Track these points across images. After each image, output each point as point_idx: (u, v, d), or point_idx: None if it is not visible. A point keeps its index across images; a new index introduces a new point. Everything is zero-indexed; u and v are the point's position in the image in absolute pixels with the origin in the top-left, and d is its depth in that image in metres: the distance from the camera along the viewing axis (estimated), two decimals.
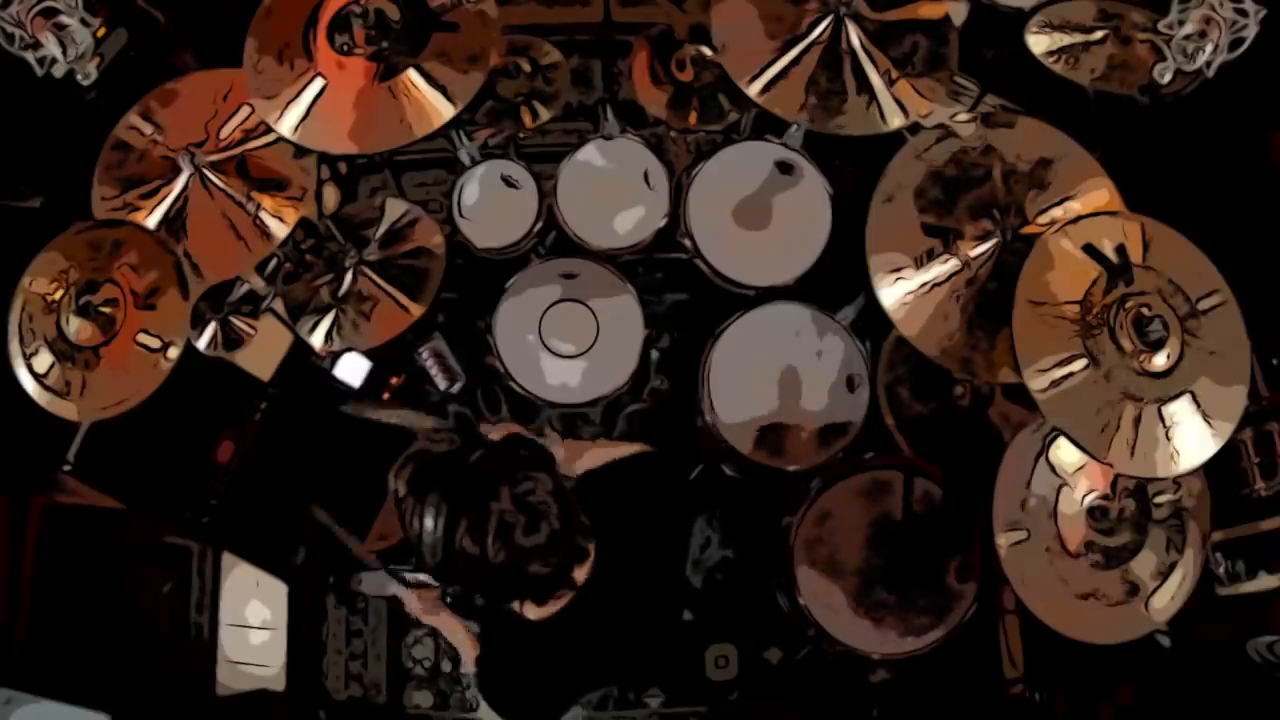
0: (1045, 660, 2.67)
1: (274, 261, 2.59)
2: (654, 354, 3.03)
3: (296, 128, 2.16)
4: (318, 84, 2.17)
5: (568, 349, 2.65)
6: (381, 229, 2.65)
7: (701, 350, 2.59)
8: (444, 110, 2.16)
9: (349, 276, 2.56)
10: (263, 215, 2.19)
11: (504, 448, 1.61)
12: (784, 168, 2.69)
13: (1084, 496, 2.09)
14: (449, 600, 2.11)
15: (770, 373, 2.58)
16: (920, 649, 2.36)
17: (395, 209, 2.68)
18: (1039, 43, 2.25)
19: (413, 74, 2.17)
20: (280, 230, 2.20)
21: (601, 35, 3.35)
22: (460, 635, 2.12)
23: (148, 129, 2.26)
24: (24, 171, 2.63)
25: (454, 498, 1.52)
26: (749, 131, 2.73)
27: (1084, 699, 2.58)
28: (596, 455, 1.99)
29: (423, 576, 2.09)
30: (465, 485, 1.53)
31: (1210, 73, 2.17)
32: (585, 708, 2.89)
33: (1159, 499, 2.09)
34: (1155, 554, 2.10)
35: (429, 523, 1.51)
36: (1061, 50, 2.25)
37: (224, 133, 2.24)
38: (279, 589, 2.93)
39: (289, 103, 2.17)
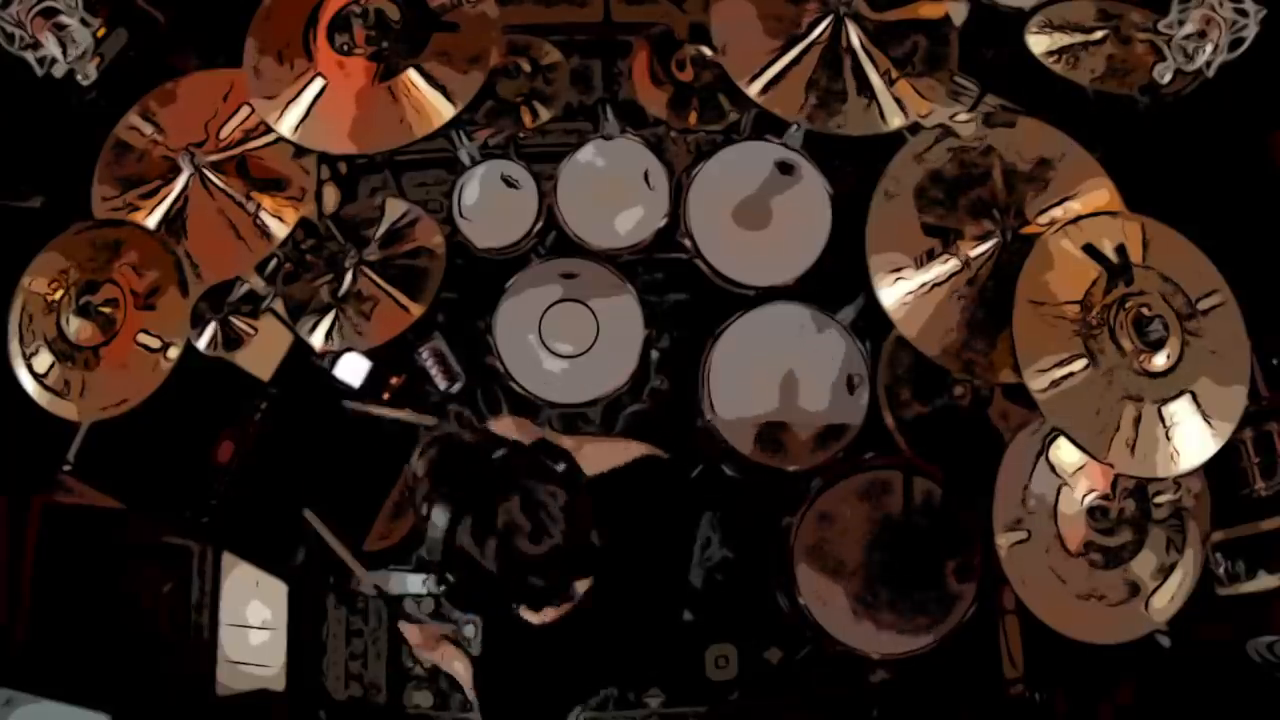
0: (1045, 660, 2.66)
1: (274, 261, 2.58)
2: (654, 354, 3.02)
3: (296, 128, 2.16)
4: (318, 84, 2.17)
5: (568, 349, 2.65)
6: (381, 229, 2.65)
7: (701, 350, 2.59)
8: (444, 110, 2.16)
9: (349, 276, 2.56)
10: (263, 215, 2.19)
11: (530, 453, 1.59)
12: (784, 168, 2.69)
13: (1084, 496, 2.09)
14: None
15: (770, 373, 2.58)
16: (920, 649, 2.36)
17: (395, 209, 2.68)
18: (1039, 43, 2.25)
19: (413, 74, 2.17)
20: (280, 230, 2.20)
21: (601, 35, 3.34)
22: (458, 666, 2.11)
23: (148, 129, 2.26)
24: (24, 171, 2.62)
25: (464, 496, 1.50)
26: (749, 131, 2.73)
27: (1084, 699, 2.57)
28: (604, 453, 1.98)
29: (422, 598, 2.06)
30: (479, 483, 1.52)
31: (1210, 73, 2.17)
32: (585, 708, 2.89)
33: (1159, 499, 2.09)
34: (1155, 554, 2.10)
35: (436, 516, 1.50)
36: (1061, 50, 2.24)
37: (224, 133, 2.24)
38: (279, 589, 2.92)
39: (289, 103, 2.17)
